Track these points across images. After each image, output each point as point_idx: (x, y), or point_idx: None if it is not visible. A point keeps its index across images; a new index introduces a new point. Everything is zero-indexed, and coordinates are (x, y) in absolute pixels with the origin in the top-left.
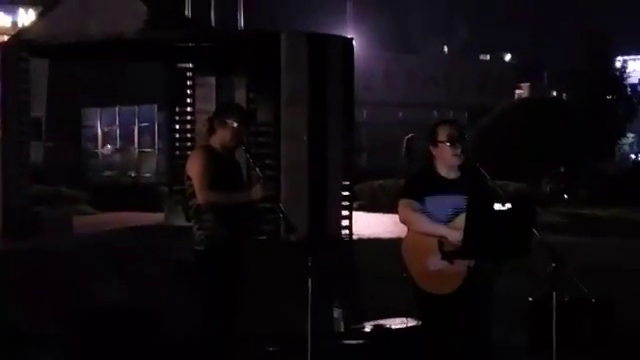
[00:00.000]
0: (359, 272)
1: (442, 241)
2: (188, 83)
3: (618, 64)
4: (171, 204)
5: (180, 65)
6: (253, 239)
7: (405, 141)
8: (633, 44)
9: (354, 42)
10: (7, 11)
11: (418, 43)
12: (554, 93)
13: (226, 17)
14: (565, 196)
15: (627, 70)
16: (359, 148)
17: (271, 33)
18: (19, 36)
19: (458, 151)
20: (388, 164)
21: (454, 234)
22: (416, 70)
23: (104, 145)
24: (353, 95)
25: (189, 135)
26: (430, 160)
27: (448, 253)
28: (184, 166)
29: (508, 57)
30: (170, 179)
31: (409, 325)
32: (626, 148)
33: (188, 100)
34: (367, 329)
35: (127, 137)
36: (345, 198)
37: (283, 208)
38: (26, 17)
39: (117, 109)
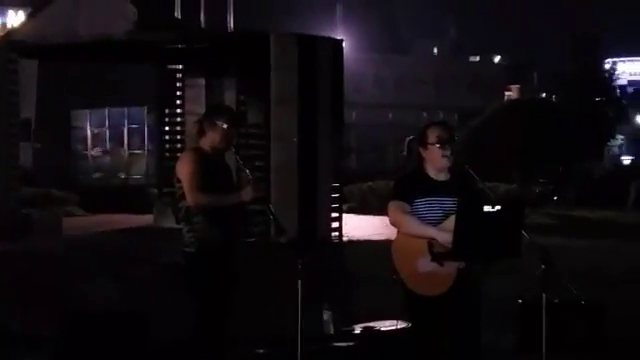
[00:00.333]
0: (349, 274)
1: (432, 243)
2: (178, 84)
3: (607, 66)
4: (161, 206)
5: (170, 66)
6: (243, 241)
7: (406, 142)
8: (622, 46)
9: (344, 43)
10: None
11: (408, 45)
12: (544, 95)
13: (216, 18)
14: (554, 197)
15: (616, 72)
16: (349, 149)
17: (261, 34)
18: (8, 37)
19: (448, 153)
20: (378, 165)
21: (444, 236)
22: (406, 72)
23: (93, 147)
24: (343, 96)
25: (179, 137)
26: (420, 162)
27: (438, 255)
28: (174, 168)
29: (498, 59)
30: (160, 181)
31: (399, 327)
32: (615, 150)
33: (178, 102)
34: (357, 331)
35: (117, 139)
36: (335, 200)
37: (273, 210)
38: (15, 18)
39: (107, 110)
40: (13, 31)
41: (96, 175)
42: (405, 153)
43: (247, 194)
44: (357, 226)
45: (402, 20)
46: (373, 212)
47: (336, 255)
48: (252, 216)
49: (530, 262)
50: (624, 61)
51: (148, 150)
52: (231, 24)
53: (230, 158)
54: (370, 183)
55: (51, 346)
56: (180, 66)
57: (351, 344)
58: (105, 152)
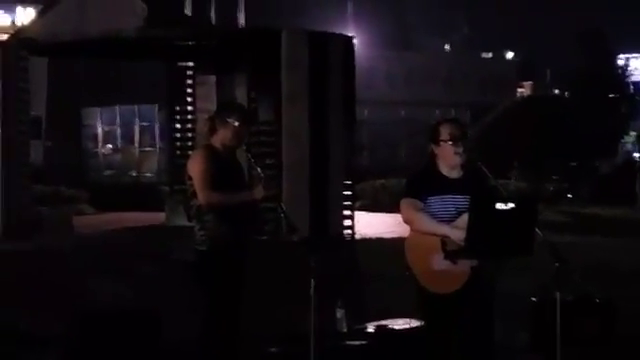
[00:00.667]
0: (362, 272)
1: (445, 240)
2: (188, 82)
3: (620, 62)
4: (172, 204)
5: (180, 63)
6: (255, 239)
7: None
8: (636, 42)
9: (355, 40)
10: (6, 10)
11: (420, 41)
12: (556, 91)
13: (226, 15)
14: (569, 195)
15: (629, 68)
16: (361, 147)
17: (272, 31)
18: (18, 35)
19: (460, 150)
20: (390, 163)
21: (457, 233)
22: (418, 68)
23: (104, 144)
24: (354, 93)
25: (190, 134)
26: (432, 159)
27: (451, 253)
28: (185, 165)
29: (510, 55)
30: (171, 178)
31: (412, 325)
32: (629, 146)
33: (188, 99)
34: (370, 329)
35: (127, 136)
36: (347, 197)
37: (285, 208)
38: (25, 16)
39: (117, 108)
40: (23, 29)
41: (107, 173)
42: None
43: (259, 192)
44: (369, 224)
45: (414, 17)
46: (385, 210)
47: (349, 253)
48: (264, 214)
49: (543, 260)
50: (637, 57)
51: (159, 148)
52: (242, 21)
53: (241, 156)
54: (382, 180)
55: (61, 344)
56: (191, 63)
57: (364, 342)
58: (116, 150)
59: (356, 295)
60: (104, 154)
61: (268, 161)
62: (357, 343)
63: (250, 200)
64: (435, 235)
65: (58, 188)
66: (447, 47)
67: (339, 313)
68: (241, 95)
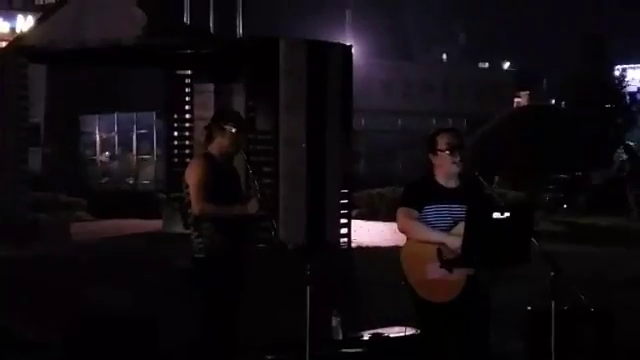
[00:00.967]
0: (358, 280)
1: (441, 249)
2: (186, 90)
3: (617, 72)
4: (169, 211)
5: (179, 72)
6: (252, 247)
7: None
8: (632, 52)
9: (353, 50)
10: (5, 17)
11: (417, 51)
12: (553, 101)
13: (225, 24)
14: (564, 205)
15: (626, 79)
16: (358, 155)
17: (270, 40)
18: (17, 42)
19: (457, 159)
20: (387, 172)
21: (452, 240)
22: (415, 78)
23: (102, 152)
24: (352, 102)
25: (187, 142)
26: (429, 168)
27: (447, 261)
28: (183, 173)
29: (507, 65)
30: (168, 186)
31: (407, 334)
32: (624, 157)
33: (186, 107)
34: (365, 337)
35: (125, 144)
36: (344, 206)
37: (276, 226)
38: (24, 23)
39: (116, 115)
40: (22, 36)
41: (105, 180)
42: None
43: (252, 207)
44: (366, 232)
45: (411, 27)
46: (382, 218)
47: (345, 261)
48: (261, 222)
49: (539, 269)
50: (634, 68)
51: (157, 155)
52: (240, 30)
53: (239, 164)
54: (379, 189)
55: (58, 351)
56: (189, 71)
57: (359, 350)
58: (114, 157)
59: (352, 303)
60: (102, 161)
61: (266, 169)
62: (352, 351)
63: (243, 214)
64: (431, 243)
65: (56, 195)
66: (444, 57)
67: (335, 321)
68: (239, 104)
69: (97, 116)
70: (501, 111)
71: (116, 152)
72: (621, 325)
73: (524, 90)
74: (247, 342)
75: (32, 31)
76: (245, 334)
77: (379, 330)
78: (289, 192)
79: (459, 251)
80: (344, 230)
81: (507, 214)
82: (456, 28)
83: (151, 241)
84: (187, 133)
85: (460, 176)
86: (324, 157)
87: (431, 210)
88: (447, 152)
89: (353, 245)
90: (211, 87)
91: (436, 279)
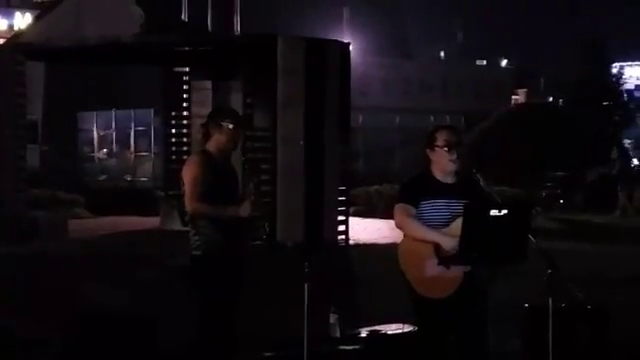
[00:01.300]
0: (355, 277)
1: (439, 246)
2: (184, 87)
3: (615, 70)
4: (167, 208)
5: (177, 69)
6: (249, 244)
7: None
8: (629, 50)
9: (351, 47)
10: (3, 14)
11: (415, 49)
12: (550, 99)
13: (223, 21)
14: (561, 201)
15: (623, 76)
16: (355, 153)
17: (268, 37)
18: (15, 39)
19: (454, 157)
20: (385, 169)
21: (447, 241)
22: (413, 76)
23: (100, 149)
24: (350, 100)
25: (185, 139)
26: (427, 164)
27: (445, 258)
28: (180, 170)
29: (505, 63)
30: (166, 183)
31: (405, 330)
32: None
33: (184, 104)
34: (363, 334)
35: (123, 141)
36: (341, 203)
37: (268, 230)
38: (22, 20)
39: (113, 113)
40: (20, 33)
41: (102, 177)
42: None
43: (245, 210)
44: (363, 229)
45: (409, 24)
46: (379, 215)
47: (343, 258)
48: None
49: (536, 266)
50: (632, 65)
51: (154, 152)
52: (238, 27)
53: (237, 162)
54: (377, 186)
55: (56, 348)
56: (187, 69)
57: (357, 347)
58: (111, 154)
59: (349, 300)
60: (100, 158)
61: (264, 166)
62: (350, 348)
63: (236, 216)
64: (427, 242)
65: (54, 192)
66: (442, 55)
67: (332, 318)
68: (237, 101)
69: (95, 113)
70: (499, 109)
71: (114, 149)
72: (617, 322)
73: (522, 88)
74: (245, 339)
75: (30, 28)
76: (243, 331)
77: (377, 327)
78: (287, 189)
79: (454, 251)
80: (342, 227)
81: (505, 211)
82: (454, 26)
83: (149, 238)
84: (185, 130)
85: (457, 173)
86: (322, 154)
87: (428, 205)
88: (445, 149)
89: (351, 242)
90: (209, 84)
91: (434, 276)
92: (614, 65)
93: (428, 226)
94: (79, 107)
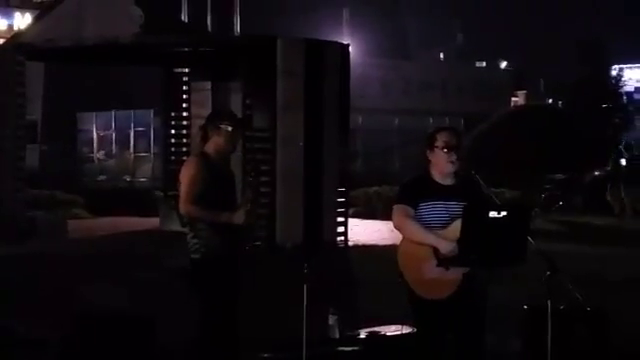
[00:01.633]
0: (354, 278)
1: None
2: (184, 88)
3: (614, 72)
4: (166, 209)
5: (176, 70)
6: (248, 246)
7: None
8: (629, 52)
9: (350, 48)
10: (3, 14)
11: (414, 50)
12: (550, 101)
13: (222, 22)
14: (560, 202)
15: (623, 78)
16: (354, 154)
17: (267, 38)
18: (15, 39)
19: (453, 158)
20: (384, 170)
21: (444, 245)
22: (412, 77)
23: (99, 149)
24: (349, 101)
25: (185, 140)
26: (426, 165)
27: (444, 260)
28: (179, 171)
29: (504, 64)
30: (165, 184)
31: (404, 332)
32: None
33: (184, 105)
34: (362, 336)
35: (123, 141)
36: (341, 204)
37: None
38: (22, 20)
39: (113, 113)
40: (20, 34)
41: (102, 178)
42: None
43: (239, 217)
44: (362, 231)
45: (409, 25)
46: (379, 217)
47: (342, 259)
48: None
49: (536, 268)
50: (631, 67)
51: (154, 153)
52: (238, 28)
53: (236, 164)
54: (376, 188)
55: (55, 348)
56: (186, 69)
57: (356, 348)
58: (111, 155)
59: (349, 301)
60: (99, 159)
61: (263, 167)
62: (349, 349)
63: (229, 222)
64: (424, 244)
65: (53, 192)
66: (442, 56)
67: (331, 319)
68: (236, 102)
69: (94, 114)
70: (498, 110)
71: (113, 150)
72: (616, 325)
73: (521, 89)
74: (244, 341)
75: (30, 28)
76: (242, 333)
77: (376, 328)
78: (286, 190)
79: (452, 254)
80: (341, 229)
81: (504, 213)
82: (454, 27)
83: (148, 239)
84: (184, 131)
85: (457, 175)
86: (321, 155)
87: (427, 207)
88: (444, 150)
89: (350, 244)
90: (208, 85)
91: (433, 277)
92: (613, 67)
93: (427, 228)
94: (78, 107)
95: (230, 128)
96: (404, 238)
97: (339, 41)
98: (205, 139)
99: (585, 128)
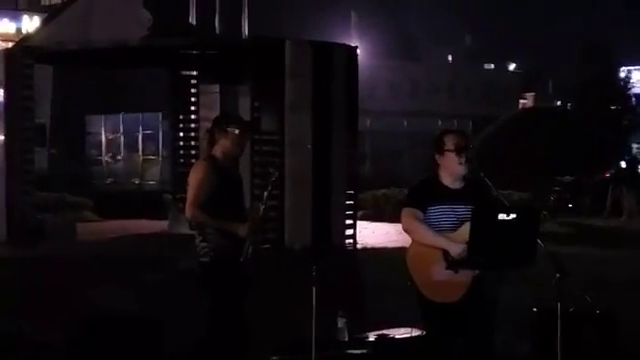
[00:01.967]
0: (363, 281)
1: (447, 250)
2: (192, 90)
3: (622, 74)
4: (175, 212)
5: (184, 72)
6: (257, 248)
7: None
8: (637, 54)
9: (358, 51)
10: (11, 17)
11: (422, 52)
12: (558, 103)
13: (230, 25)
14: (570, 205)
15: (631, 80)
16: (363, 156)
17: (275, 41)
18: (23, 43)
19: (463, 160)
20: (392, 173)
21: (454, 248)
22: (420, 79)
23: (108, 152)
24: (357, 103)
25: (193, 142)
26: (435, 169)
27: (453, 262)
28: (188, 174)
29: (512, 66)
30: (174, 187)
31: (413, 335)
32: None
33: (192, 108)
34: (371, 338)
35: (131, 144)
36: (349, 207)
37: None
38: (30, 24)
39: (121, 116)
40: (28, 37)
41: (110, 181)
42: None
43: (243, 230)
44: (371, 233)
45: (417, 27)
46: (387, 219)
47: (350, 262)
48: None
49: (545, 271)
50: (639, 69)
51: (162, 156)
52: (246, 30)
53: (245, 167)
54: (384, 190)
55: (64, 351)
56: (195, 72)
57: (365, 351)
58: (119, 158)
59: (357, 304)
60: (107, 162)
61: (271, 170)
62: (358, 352)
63: (233, 232)
64: (434, 247)
65: (62, 195)
66: (450, 58)
67: (340, 322)
68: (245, 104)
69: (103, 117)
70: (507, 112)
71: (122, 153)
72: (625, 327)
73: (530, 91)
74: (253, 343)
75: (38, 32)
76: (251, 335)
77: (385, 331)
78: (294, 193)
79: (462, 256)
80: (349, 231)
81: (513, 215)
82: (462, 29)
83: (157, 241)
84: (193, 134)
85: (465, 177)
86: (329, 158)
87: (436, 210)
88: (454, 153)
89: (358, 246)
90: (217, 88)
91: (442, 280)
92: (622, 69)
93: (435, 231)
94: (87, 110)
95: (237, 131)
96: (413, 241)
97: (347, 43)
98: (212, 143)
99: (593, 130)
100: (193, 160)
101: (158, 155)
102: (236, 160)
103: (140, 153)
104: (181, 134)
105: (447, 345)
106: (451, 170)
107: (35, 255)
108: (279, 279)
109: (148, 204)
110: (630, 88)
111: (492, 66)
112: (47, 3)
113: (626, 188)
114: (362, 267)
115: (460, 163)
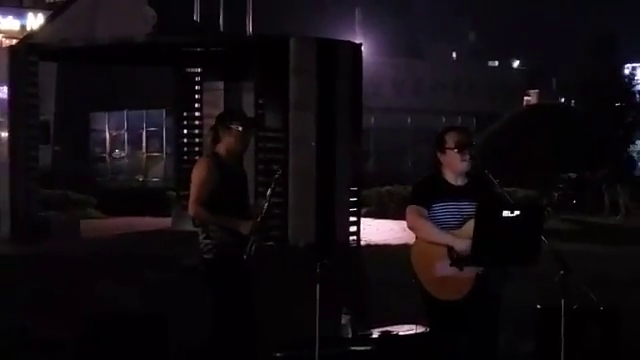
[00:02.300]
0: (367, 278)
1: (451, 247)
2: (196, 88)
3: (627, 71)
4: (179, 209)
5: (188, 70)
6: (261, 245)
7: None
8: None
9: (363, 47)
10: (16, 15)
11: (426, 49)
12: (562, 100)
13: (235, 22)
14: (574, 201)
15: (636, 77)
16: (367, 154)
17: (280, 38)
18: (28, 40)
19: (466, 157)
20: (396, 170)
21: (460, 244)
22: (424, 76)
23: (112, 149)
24: (361, 101)
25: (197, 139)
26: (438, 167)
27: (458, 259)
28: (191, 171)
29: (517, 63)
30: (178, 184)
31: (417, 332)
32: (635, 155)
33: (196, 105)
34: (375, 335)
35: (135, 141)
36: (353, 204)
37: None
38: (35, 21)
39: (125, 113)
40: (33, 34)
41: (114, 177)
42: None
43: (245, 228)
44: (375, 230)
45: (421, 25)
46: (391, 216)
47: (354, 259)
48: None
49: (549, 268)
50: None
51: (166, 153)
52: (250, 27)
53: (249, 163)
54: (388, 187)
55: (69, 348)
56: (199, 69)
57: (369, 348)
58: (122, 155)
59: (361, 301)
60: (112, 159)
61: (275, 167)
62: (362, 349)
63: (236, 229)
64: (439, 244)
65: (66, 192)
66: (454, 55)
67: (344, 319)
68: (249, 101)
69: (107, 114)
70: (511, 109)
71: (126, 150)
72: (629, 324)
73: (534, 89)
74: (257, 340)
75: (42, 29)
76: (255, 332)
77: (389, 328)
78: (299, 190)
79: (467, 253)
80: (353, 228)
81: (517, 212)
82: (466, 26)
83: (161, 239)
84: (197, 131)
85: (469, 174)
86: (334, 155)
87: (440, 208)
88: (455, 150)
89: (362, 243)
90: (221, 85)
91: (446, 277)
92: (626, 66)
93: (440, 228)
94: (91, 107)
95: (241, 128)
96: (418, 238)
97: (352, 40)
98: (216, 140)
99: (598, 127)
100: (197, 157)
101: (162, 152)
102: (240, 157)
103: (144, 150)
104: (185, 131)
105: (451, 342)
106: (453, 167)
107: (39, 252)
108: (283, 276)
109: (152, 201)
110: (634, 85)
111: (496, 63)
112: (51, 0)
113: (620, 186)
114: (366, 264)
115: (462, 160)
